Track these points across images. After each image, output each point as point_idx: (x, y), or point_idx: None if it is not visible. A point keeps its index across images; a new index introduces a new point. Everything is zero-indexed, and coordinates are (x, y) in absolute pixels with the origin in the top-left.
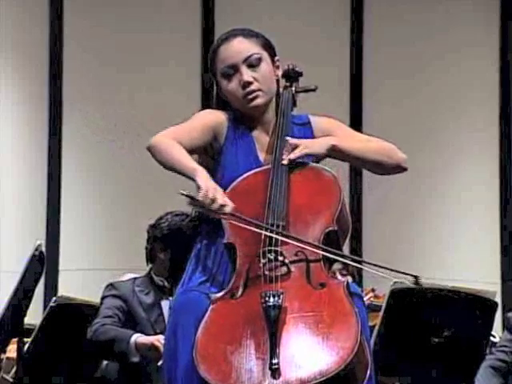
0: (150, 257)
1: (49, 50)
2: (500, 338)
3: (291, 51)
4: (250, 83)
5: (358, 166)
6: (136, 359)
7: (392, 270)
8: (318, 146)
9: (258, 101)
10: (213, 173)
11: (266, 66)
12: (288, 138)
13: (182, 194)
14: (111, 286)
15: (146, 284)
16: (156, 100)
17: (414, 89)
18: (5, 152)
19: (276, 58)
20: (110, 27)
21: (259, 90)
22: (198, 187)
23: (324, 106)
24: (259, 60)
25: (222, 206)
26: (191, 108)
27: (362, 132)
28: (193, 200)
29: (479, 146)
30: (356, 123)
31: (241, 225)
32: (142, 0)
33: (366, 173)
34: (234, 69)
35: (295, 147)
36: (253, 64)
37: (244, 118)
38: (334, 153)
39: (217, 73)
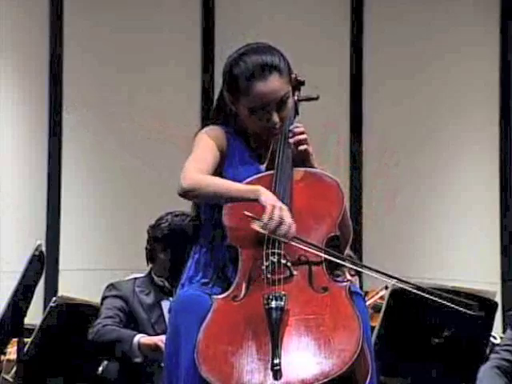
0: (151, 257)
1: (49, 50)
2: (501, 338)
3: (291, 51)
4: (276, 124)
5: None
6: (139, 360)
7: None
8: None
9: (277, 136)
10: None
11: (290, 101)
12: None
13: (247, 216)
14: (112, 286)
15: (147, 284)
16: (156, 100)
17: (414, 89)
18: (5, 152)
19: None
20: (110, 27)
21: (281, 127)
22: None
23: (324, 106)
24: (288, 98)
25: (288, 230)
26: (191, 108)
27: (361, 132)
28: (258, 221)
29: (479, 145)
30: (356, 123)
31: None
32: (142, 0)
33: (366, 172)
34: (265, 107)
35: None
36: (282, 105)
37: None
38: None
39: (242, 99)
